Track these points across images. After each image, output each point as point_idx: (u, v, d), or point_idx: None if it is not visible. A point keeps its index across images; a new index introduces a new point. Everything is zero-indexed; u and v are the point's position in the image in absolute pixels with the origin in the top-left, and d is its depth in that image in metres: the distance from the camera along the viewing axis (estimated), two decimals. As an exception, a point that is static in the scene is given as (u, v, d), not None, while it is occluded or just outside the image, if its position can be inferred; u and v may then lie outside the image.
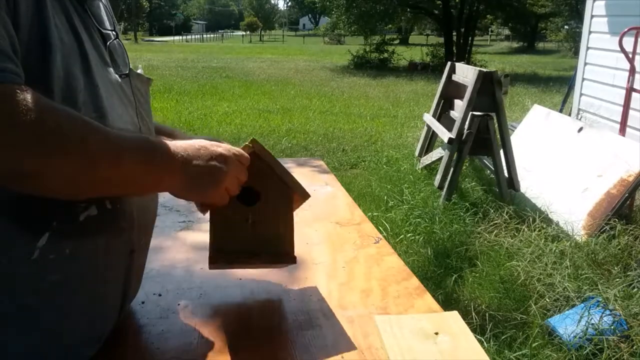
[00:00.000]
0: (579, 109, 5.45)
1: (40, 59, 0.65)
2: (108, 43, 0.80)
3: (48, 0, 0.68)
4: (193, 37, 49.75)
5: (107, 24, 0.82)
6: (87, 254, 0.71)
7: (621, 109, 3.97)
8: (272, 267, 0.92)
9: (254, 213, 0.87)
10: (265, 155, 0.85)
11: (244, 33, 56.92)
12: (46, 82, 0.65)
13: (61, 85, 0.66)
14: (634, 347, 2.06)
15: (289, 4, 72.88)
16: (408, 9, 19.15)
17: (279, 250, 0.89)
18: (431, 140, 4.95)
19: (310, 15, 79.13)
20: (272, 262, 0.90)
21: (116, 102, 0.76)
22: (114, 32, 0.83)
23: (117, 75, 0.79)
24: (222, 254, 0.86)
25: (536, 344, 2.16)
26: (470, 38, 17.60)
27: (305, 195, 0.89)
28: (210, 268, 0.88)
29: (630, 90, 3.85)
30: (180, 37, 46.34)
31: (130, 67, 0.85)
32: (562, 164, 3.88)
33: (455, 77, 4.60)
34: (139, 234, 0.82)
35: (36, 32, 0.65)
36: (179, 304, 0.98)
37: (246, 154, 0.82)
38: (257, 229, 0.87)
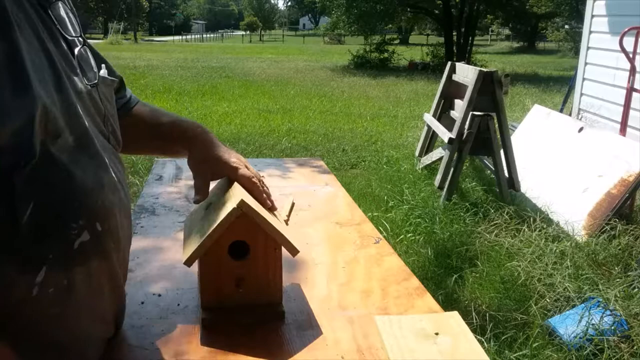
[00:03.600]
0: (579, 109, 5.45)
1: (15, 91, 0.59)
2: (76, 51, 0.75)
3: (12, 15, 0.62)
4: (193, 37, 49.74)
5: (72, 30, 0.76)
6: (83, 281, 0.70)
7: (622, 108, 3.97)
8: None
9: (243, 266, 0.90)
10: (254, 214, 0.86)
11: (243, 33, 56.91)
12: (29, 114, 0.60)
13: (40, 113, 0.61)
14: (635, 348, 2.05)
15: (289, 3, 72.93)
16: (408, 9, 19.14)
17: (269, 301, 0.93)
18: (431, 140, 4.95)
19: (310, 15, 79.13)
20: (262, 317, 0.93)
21: (84, 115, 0.72)
22: (80, 39, 0.77)
23: (86, 85, 0.74)
24: (212, 314, 0.91)
25: (536, 344, 2.16)
26: (470, 38, 17.59)
27: (293, 251, 0.91)
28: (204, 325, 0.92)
29: (630, 90, 3.84)
30: (180, 37, 46.32)
31: (100, 74, 0.80)
32: (562, 164, 3.88)
33: (455, 77, 4.59)
34: (124, 249, 0.81)
35: (5, 59, 0.59)
36: (178, 304, 0.98)
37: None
38: (247, 283, 0.91)
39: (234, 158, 0.98)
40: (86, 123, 0.70)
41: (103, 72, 0.82)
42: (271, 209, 0.97)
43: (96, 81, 0.77)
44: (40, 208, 0.62)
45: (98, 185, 0.70)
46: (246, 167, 0.99)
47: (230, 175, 0.96)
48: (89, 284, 0.71)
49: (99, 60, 0.88)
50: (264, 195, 0.96)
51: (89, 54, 0.80)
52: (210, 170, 0.98)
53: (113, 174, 0.75)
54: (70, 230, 0.66)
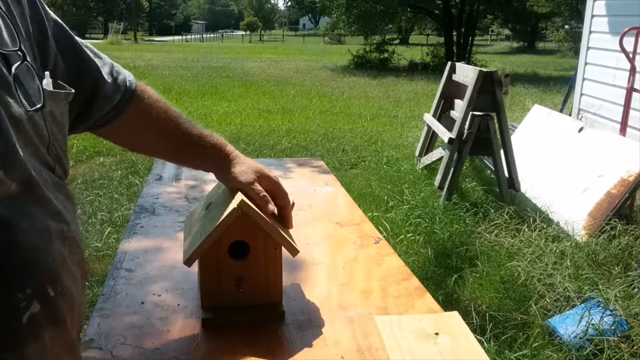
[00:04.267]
0: (579, 109, 5.44)
1: None
2: (13, 68, 0.58)
3: None
4: (193, 37, 49.73)
5: (9, 42, 0.60)
6: (36, 355, 0.57)
7: (622, 108, 3.96)
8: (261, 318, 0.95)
9: (243, 266, 0.90)
10: (254, 214, 0.86)
11: (243, 33, 56.92)
12: None
13: None
14: (635, 348, 2.05)
15: (289, 4, 72.93)
16: (408, 9, 19.14)
17: (269, 301, 0.93)
18: (431, 140, 4.95)
19: (310, 15, 79.13)
20: (261, 317, 0.93)
21: (24, 149, 0.58)
22: (19, 52, 0.60)
23: (25, 110, 0.58)
24: (212, 314, 0.91)
25: (536, 344, 2.16)
26: (470, 38, 17.59)
27: (293, 252, 0.91)
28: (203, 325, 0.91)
29: (630, 90, 3.84)
30: (180, 37, 46.32)
31: (44, 86, 0.63)
32: (562, 164, 3.88)
33: (455, 77, 4.59)
34: (79, 305, 0.67)
35: None
36: (178, 304, 0.98)
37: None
38: (247, 283, 0.91)
39: (243, 176, 0.93)
40: (28, 164, 0.57)
41: (46, 82, 0.64)
42: (284, 224, 0.96)
43: (39, 105, 0.60)
44: None
45: (46, 237, 0.58)
46: (260, 178, 0.93)
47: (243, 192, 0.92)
48: (45, 358, 0.59)
49: (72, 52, 0.76)
50: (270, 208, 0.91)
51: (34, 69, 0.63)
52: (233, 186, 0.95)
53: (63, 217, 0.62)
54: (17, 303, 0.54)
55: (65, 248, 0.61)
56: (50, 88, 0.64)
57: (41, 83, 0.62)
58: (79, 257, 0.65)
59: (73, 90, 0.68)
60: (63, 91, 0.66)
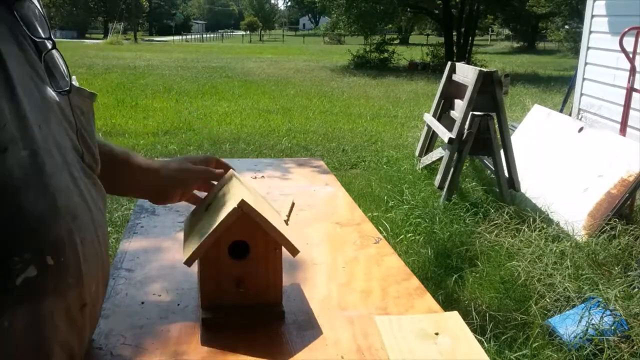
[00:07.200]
0: (579, 109, 5.44)
1: None
2: (44, 54, 0.66)
3: None
4: (193, 37, 49.77)
5: (41, 31, 0.67)
6: (30, 321, 0.59)
7: (622, 109, 3.96)
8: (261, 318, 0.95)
9: (243, 266, 0.90)
10: (254, 214, 0.86)
11: (244, 33, 56.95)
12: None
13: None
14: (635, 348, 2.05)
15: (289, 4, 72.93)
16: (408, 9, 19.16)
17: (269, 301, 0.93)
18: (431, 140, 4.96)
19: (310, 15, 79.16)
20: (261, 317, 0.93)
21: (54, 127, 0.64)
22: (50, 41, 0.68)
23: (54, 94, 0.65)
24: (212, 314, 0.91)
25: (536, 344, 2.16)
26: (470, 38, 17.60)
27: (294, 251, 0.91)
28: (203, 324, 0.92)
29: (630, 90, 3.84)
30: (180, 37, 46.34)
31: (72, 82, 0.70)
32: (562, 164, 3.88)
33: (455, 77, 4.59)
34: (90, 284, 0.68)
35: None
36: (178, 304, 0.98)
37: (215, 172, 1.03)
38: (247, 283, 0.91)
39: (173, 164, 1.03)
40: (39, 138, 0.60)
41: (75, 81, 0.72)
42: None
43: (67, 88, 0.67)
44: None
45: (52, 212, 0.60)
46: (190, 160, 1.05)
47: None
48: (40, 324, 0.60)
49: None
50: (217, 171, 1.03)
51: (60, 59, 0.71)
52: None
53: (78, 197, 0.65)
54: (13, 265, 0.56)
55: (75, 225, 0.63)
56: (76, 84, 0.72)
57: (67, 68, 0.70)
58: (96, 238, 0.68)
59: (96, 93, 0.77)
60: (87, 90, 0.73)
